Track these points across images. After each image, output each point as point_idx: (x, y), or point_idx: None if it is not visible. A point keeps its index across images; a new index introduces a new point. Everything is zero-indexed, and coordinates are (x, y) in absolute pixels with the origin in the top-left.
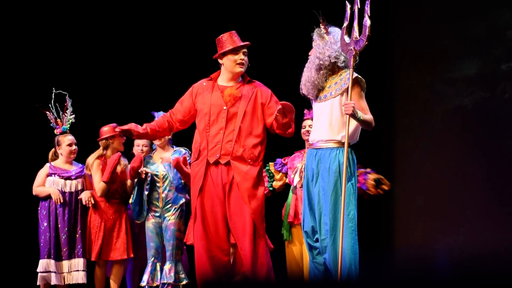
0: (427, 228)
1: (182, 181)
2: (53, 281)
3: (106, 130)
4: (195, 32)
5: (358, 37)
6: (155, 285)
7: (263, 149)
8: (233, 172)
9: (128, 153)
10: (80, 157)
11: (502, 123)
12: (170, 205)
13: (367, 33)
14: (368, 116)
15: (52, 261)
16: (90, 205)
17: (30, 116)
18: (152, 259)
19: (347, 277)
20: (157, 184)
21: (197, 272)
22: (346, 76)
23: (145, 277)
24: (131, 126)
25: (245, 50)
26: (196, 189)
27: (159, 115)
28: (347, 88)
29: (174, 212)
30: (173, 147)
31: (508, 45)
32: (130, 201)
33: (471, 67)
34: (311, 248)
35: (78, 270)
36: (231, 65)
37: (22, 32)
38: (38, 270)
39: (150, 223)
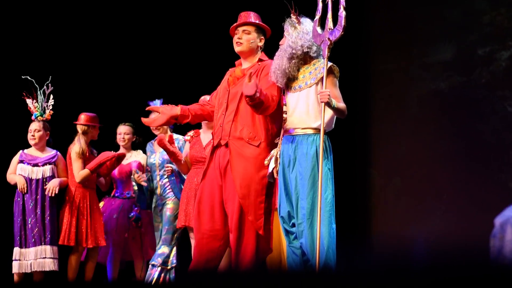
0: (404, 211)
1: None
2: (19, 269)
3: (89, 118)
4: (181, 18)
5: (332, 27)
6: (160, 267)
7: (265, 128)
8: (229, 153)
9: (113, 143)
10: (60, 144)
11: (479, 107)
12: (168, 191)
13: (343, 24)
14: (342, 105)
15: (18, 249)
16: (52, 195)
17: (11, 104)
18: (160, 243)
19: (325, 264)
20: (155, 173)
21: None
22: (321, 66)
23: (155, 258)
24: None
25: (245, 28)
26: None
27: (154, 104)
28: (323, 77)
29: (172, 198)
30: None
31: (484, 30)
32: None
33: (447, 51)
34: (287, 233)
35: (45, 258)
36: (234, 45)
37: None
38: (13, 258)
39: (155, 211)
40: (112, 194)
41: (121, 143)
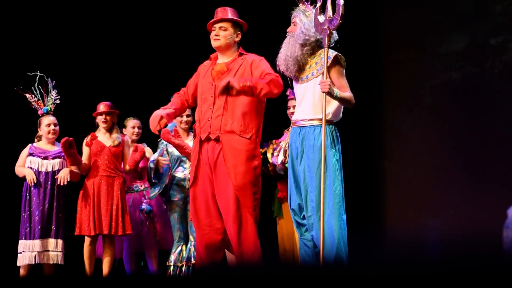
0: (417, 202)
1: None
2: (27, 260)
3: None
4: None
5: (332, 16)
6: (179, 265)
7: (255, 120)
8: (221, 146)
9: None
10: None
11: (491, 98)
12: None
13: (340, 12)
14: (347, 94)
15: (24, 241)
16: (63, 184)
17: (18, 99)
18: (178, 240)
19: (336, 256)
20: (184, 166)
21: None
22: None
23: (172, 257)
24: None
25: (222, 25)
26: (193, 167)
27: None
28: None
29: None
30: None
31: (496, 20)
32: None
33: (460, 41)
34: (299, 225)
35: (49, 251)
36: (211, 40)
37: (5, 14)
38: (18, 250)
39: (176, 205)
40: None
41: (133, 137)
